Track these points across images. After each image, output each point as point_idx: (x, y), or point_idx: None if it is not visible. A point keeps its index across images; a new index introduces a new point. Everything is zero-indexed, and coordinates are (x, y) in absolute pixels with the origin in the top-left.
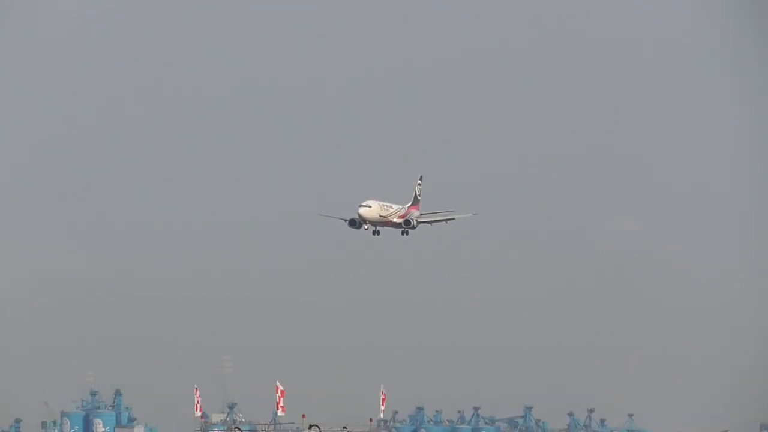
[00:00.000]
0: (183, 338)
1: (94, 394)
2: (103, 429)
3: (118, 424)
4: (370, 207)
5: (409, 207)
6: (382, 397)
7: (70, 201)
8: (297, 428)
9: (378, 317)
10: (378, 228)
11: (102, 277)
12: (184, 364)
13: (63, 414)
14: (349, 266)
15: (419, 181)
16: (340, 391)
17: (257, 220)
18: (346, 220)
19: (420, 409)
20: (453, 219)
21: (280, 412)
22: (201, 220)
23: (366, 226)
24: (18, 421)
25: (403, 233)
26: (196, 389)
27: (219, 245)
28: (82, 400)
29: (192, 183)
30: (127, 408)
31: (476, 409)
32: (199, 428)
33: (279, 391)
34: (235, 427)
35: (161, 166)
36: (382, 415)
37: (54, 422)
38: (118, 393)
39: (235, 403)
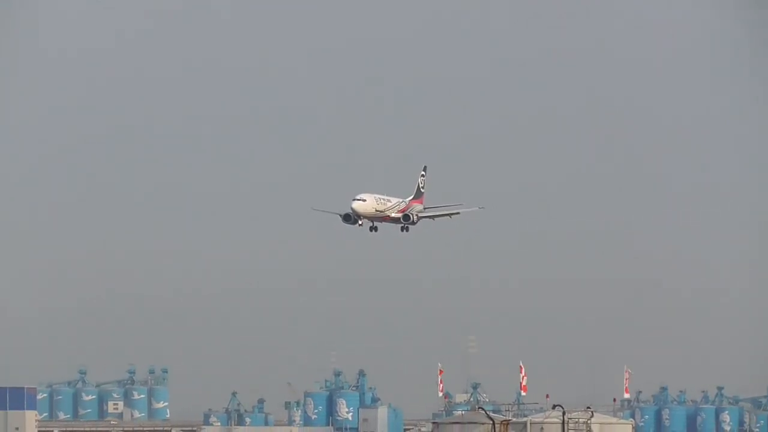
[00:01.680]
0: (425, 318)
1: (337, 374)
2: (347, 410)
3: (362, 404)
4: (364, 201)
5: (411, 200)
6: (626, 377)
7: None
8: (540, 408)
9: (624, 298)
10: (375, 223)
11: (338, 260)
12: (427, 345)
13: (306, 394)
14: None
15: (423, 173)
16: (583, 371)
17: None
18: (340, 215)
19: (663, 389)
20: (458, 213)
21: (522, 393)
22: None
23: (361, 222)
24: (261, 401)
25: (402, 229)
26: (440, 369)
27: None
28: (326, 381)
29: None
30: (370, 388)
31: (720, 389)
32: (442, 408)
33: (522, 371)
34: (479, 408)
35: (160, 161)
36: (626, 396)
37: (297, 402)
38: (361, 373)
39: (479, 383)
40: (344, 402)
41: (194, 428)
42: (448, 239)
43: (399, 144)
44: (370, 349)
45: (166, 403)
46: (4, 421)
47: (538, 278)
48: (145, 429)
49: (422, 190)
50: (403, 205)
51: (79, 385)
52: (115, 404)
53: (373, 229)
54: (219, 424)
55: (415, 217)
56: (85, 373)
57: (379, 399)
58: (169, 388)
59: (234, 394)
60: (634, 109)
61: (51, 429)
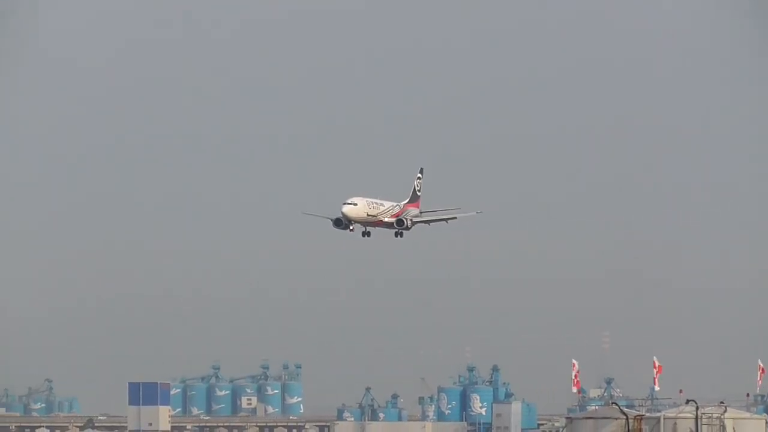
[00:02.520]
0: (559, 314)
1: (471, 369)
2: (481, 405)
3: (495, 399)
4: (355, 205)
5: (406, 204)
6: (760, 372)
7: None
8: (673, 403)
9: (758, 289)
10: (368, 228)
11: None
12: (561, 340)
13: (440, 390)
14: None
15: (419, 175)
16: (716, 365)
17: None
18: (331, 220)
19: None
20: (455, 218)
21: (656, 388)
22: None
23: (352, 227)
24: (395, 397)
25: (396, 234)
26: (574, 364)
27: None
28: (459, 376)
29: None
30: (504, 384)
31: None
32: (576, 403)
33: (656, 367)
34: (613, 403)
35: (160, 161)
36: (758, 390)
37: (431, 398)
38: (495, 369)
39: (612, 378)
40: (478, 397)
41: (327, 424)
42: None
43: (395, 146)
44: (504, 345)
45: (299, 399)
46: (137, 416)
47: (665, 277)
48: (278, 424)
49: (418, 193)
50: (397, 209)
51: (213, 380)
52: (248, 399)
53: (366, 234)
54: (352, 419)
55: (409, 222)
56: (218, 369)
57: (512, 394)
58: (303, 384)
59: (368, 389)
60: (635, 110)
61: (184, 424)
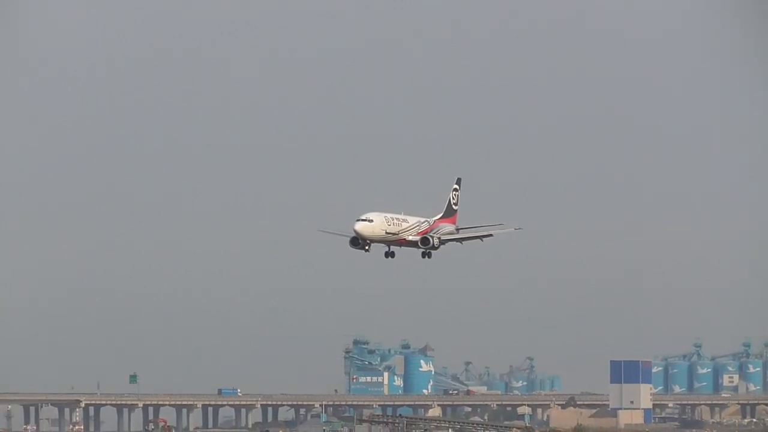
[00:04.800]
0: None
1: None
2: None
3: None
4: (370, 221)
5: (438, 220)
6: None
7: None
8: None
9: None
10: (391, 248)
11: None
12: None
13: None
14: None
15: (456, 186)
16: None
17: None
18: (349, 238)
19: None
20: (491, 235)
21: None
22: None
23: (368, 247)
24: None
25: (423, 255)
26: None
27: None
28: None
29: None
30: None
31: None
32: None
33: None
34: None
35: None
36: None
37: None
38: None
39: None
40: None
41: None
42: None
43: (428, 156)
44: None
45: None
46: (619, 394)
47: None
48: (760, 402)
49: (455, 207)
50: (426, 226)
51: (694, 358)
52: (730, 377)
53: (389, 255)
54: None
55: (435, 241)
56: (700, 347)
57: None
58: None
59: None
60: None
61: (665, 402)
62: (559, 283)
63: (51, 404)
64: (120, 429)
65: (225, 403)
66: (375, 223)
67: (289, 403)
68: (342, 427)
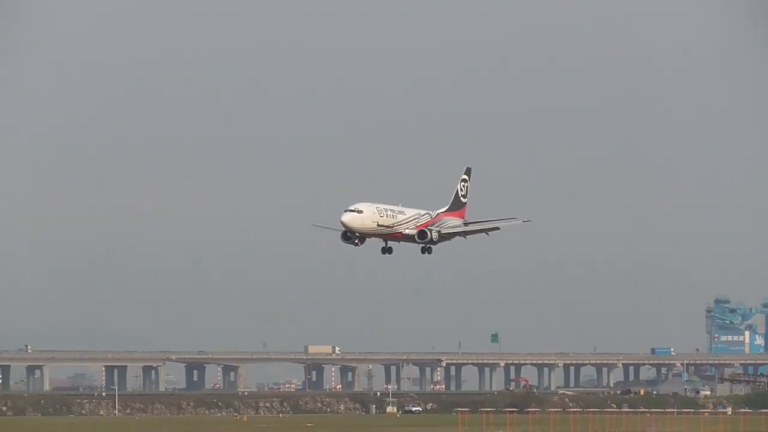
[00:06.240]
0: None
1: None
2: None
3: None
4: (360, 213)
5: (443, 213)
6: None
7: None
8: None
9: None
10: (388, 243)
11: None
12: None
13: None
14: None
15: (465, 176)
16: None
17: None
18: (340, 232)
19: None
20: (497, 229)
21: None
22: None
23: (357, 240)
24: None
25: (423, 251)
26: None
27: None
28: None
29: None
30: None
31: None
32: None
33: None
34: None
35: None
36: None
37: None
38: None
39: None
40: None
41: None
42: None
43: (435, 148)
44: None
45: None
46: None
47: None
48: None
49: (463, 199)
50: (426, 219)
51: None
52: None
53: (387, 250)
54: None
55: (434, 235)
56: None
57: None
58: None
59: None
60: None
61: None
62: None
63: (412, 363)
64: (481, 388)
65: (586, 362)
66: (365, 215)
67: (651, 362)
68: (703, 386)
